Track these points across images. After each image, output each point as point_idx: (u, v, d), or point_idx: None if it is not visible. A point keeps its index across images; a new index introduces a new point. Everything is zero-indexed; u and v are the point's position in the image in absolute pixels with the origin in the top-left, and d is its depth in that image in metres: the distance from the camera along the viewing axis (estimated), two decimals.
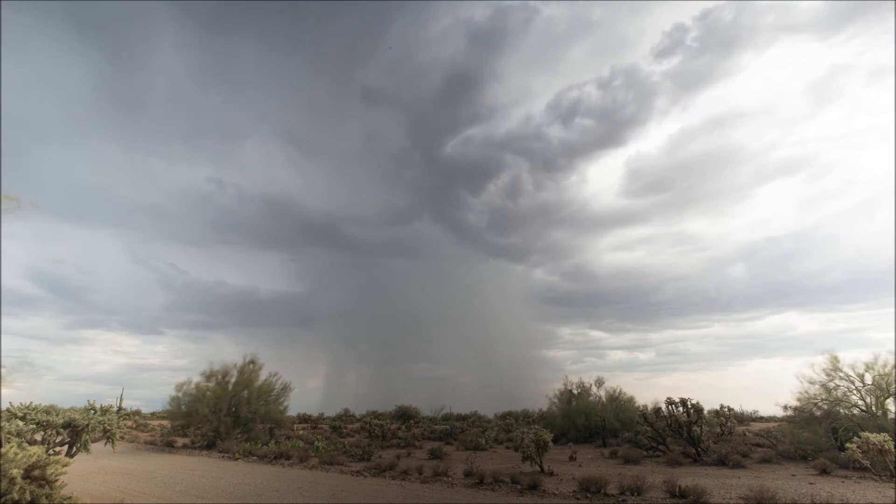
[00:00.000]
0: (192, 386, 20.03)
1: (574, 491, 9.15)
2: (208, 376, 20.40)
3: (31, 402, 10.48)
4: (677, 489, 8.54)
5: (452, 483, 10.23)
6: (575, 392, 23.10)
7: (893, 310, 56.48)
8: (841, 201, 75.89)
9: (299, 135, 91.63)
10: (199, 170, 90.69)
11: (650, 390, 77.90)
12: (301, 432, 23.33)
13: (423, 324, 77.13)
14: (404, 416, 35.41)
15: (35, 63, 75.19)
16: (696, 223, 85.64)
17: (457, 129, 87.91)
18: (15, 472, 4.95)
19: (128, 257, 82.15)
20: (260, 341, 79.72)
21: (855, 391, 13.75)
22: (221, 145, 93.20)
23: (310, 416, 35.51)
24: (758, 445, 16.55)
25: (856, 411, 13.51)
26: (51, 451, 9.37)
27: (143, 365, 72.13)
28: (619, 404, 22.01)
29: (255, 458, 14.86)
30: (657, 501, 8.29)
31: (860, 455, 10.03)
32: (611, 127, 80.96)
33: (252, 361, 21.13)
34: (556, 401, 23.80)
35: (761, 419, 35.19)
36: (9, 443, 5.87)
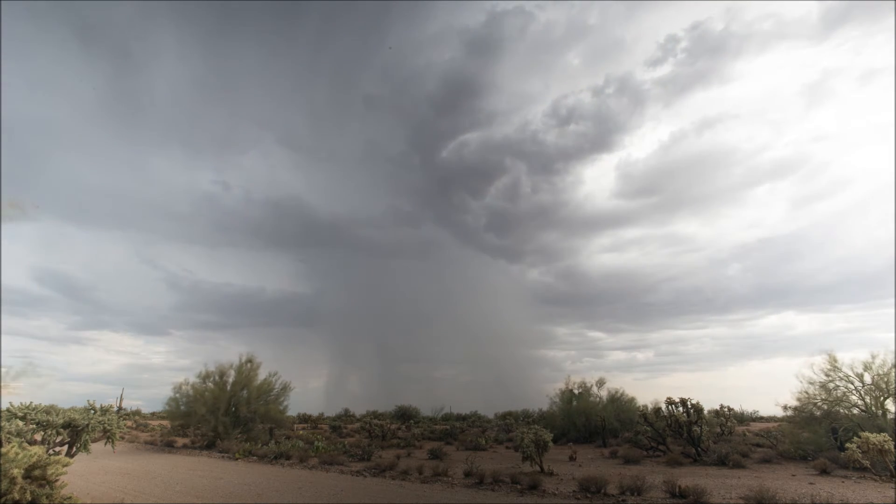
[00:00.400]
0: (190, 386, 20.03)
1: (574, 491, 9.15)
2: (205, 377, 20.39)
3: (31, 402, 10.49)
4: (677, 489, 8.55)
5: (452, 483, 10.23)
6: (576, 392, 23.11)
7: (893, 310, 56.57)
8: (835, 202, 76.71)
9: (302, 138, 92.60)
10: (204, 172, 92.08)
11: (649, 390, 77.89)
12: (300, 432, 23.33)
13: (423, 324, 77.14)
14: (404, 416, 35.42)
15: (41, 68, 76.38)
16: (693, 225, 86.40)
17: (455, 134, 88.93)
18: (15, 472, 4.95)
19: (134, 258, 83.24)
20: (264, 341, 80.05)
21: (854, 391, 13.76)
22: (226, 148, 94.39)
23: (310, 416, 35.52)
24: (758, 445, 16.56)
25: (855, 411, 13.51)
26: (51, 451, 9.37)
27: (146, 365, 72.40)
28: (619, 404, 22.03)
29: (255, 458, 14.86)
30: (657, 501, 8.30)
31: (860, 455, 10.03)
32: (605, 131, 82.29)
33: (249, 361, 21.06)
34: (556, 401, 23.83)
35: (761, 419, 35.19)
36: (9, 443, 5.87)
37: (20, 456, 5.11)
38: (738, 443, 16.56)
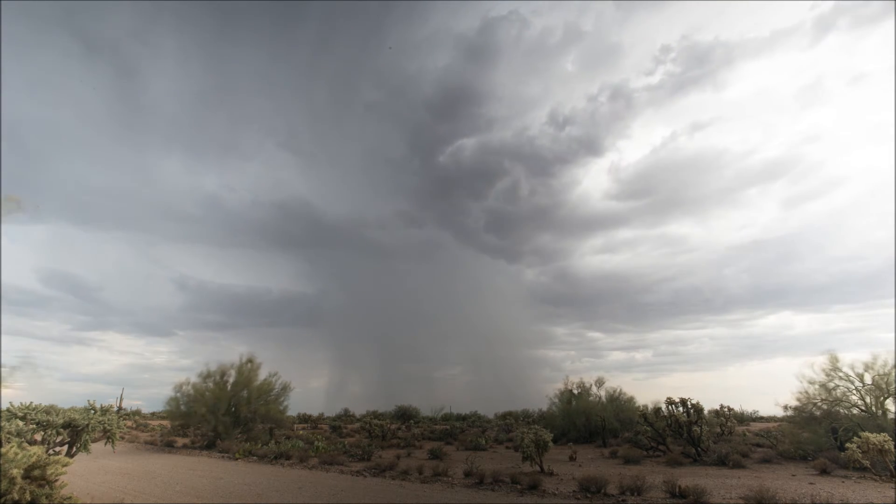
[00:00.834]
0: (190, 386, 20.02)
1: (574, 491, 9.15)
2: (206, 376, 20.38)
3: (31, 402, 10.48)
4: (677, 489, 8.54)
5: (452, 483, 10.23)
6: (575, 392, 23.10)
7: (892, 310, 56.54)
8: (832, 202, 77.30)
9: (303, 141, 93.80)
10: (208, 175, 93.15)
11: (649, 390, 78.22)
12: (301, 432, 23.33)
13: (423, 324, 77.27)
14: (404, 416, 35.41)
15: (46, 73, 77.64)
16: (690, 226, 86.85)
17: (453, 138, 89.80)
18: (15, 472, 4.95)
19: (139, 260, 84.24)
20: (267, 341, 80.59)
21: (854, 391, 13.76)
22: (229, 151, 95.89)
23: (310, 416, 35.52)
24: (758, 445, 16.56)
25: (855, 411, 13.51)
26: (51, 451, 9.37)
27: (148, 365, 72.61)
28: (619, 404, 22.01)
29: (255, 458, 14.86)
30: (657, 501, 8.29)
31: (860, 455, 10.03)
32: (600, 135, 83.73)
33: (250, 361, 21.04)
34: (556, 401, 23.82)
35: (761, 419, 35.19)
36: (9, 443, 5.87)
37: (20, 456, 5.11)
38: (738, 443, 16.56)
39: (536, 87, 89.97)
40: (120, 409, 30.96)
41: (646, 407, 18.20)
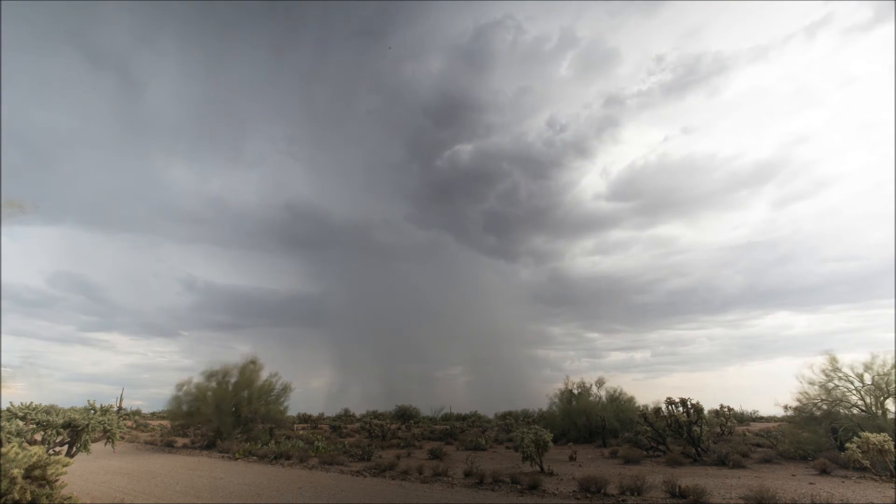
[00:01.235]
0: (193, 386, 20.05)
1: (574, 491, 9.15)
2: (209, 376, 20.41)
3: (31, 402, 10.49)
4: (677, 489, 8.55)
5: (452, 483, 10.23)
6: (575, 392, 23.10)
7: (891, 310, 56.59)
8: (824, 203, 77.65)
9: (307, 144, 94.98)
10: (215, 178, 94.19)
11: (648, 390, 78.46)
12: (301, 432, 23.33)
13: (424, 324, 77.29)
14: (404, 416, 35.41)
15: (55, 80, 78.99)
16: (688, 227, 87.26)
17: (452, 144, 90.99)
18: (15, 471, 4.95)
19: (146, 261, 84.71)
20: (269, 341, 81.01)
21: (854, 391, 13.76)
22: (235, 155, 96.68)
23: (310, 416, 35.52)
24: (758, 445, 16.56)
25: (855, 411, 13.51)
26: (51, 451, 9.38)
27: (152, 365, 72.75)
28: (619, 404, 22.00)
29: (255, 458, 14.86)
30: (657, 501, 8.29)
31: (860, 455, 10.04)
32: (595, 139, 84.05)
33: (252, 362, 21.11)
34: (556, 401, 23.82)
35: (761, 419, 35.18)
36: (9, 443, 5.87)
37: (20, 456, 5.11)
38: (738, 443, 16.56)
39: (531, 92, 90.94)
40: (120, 409, 30.97)
41: (646, 407, 18.21)
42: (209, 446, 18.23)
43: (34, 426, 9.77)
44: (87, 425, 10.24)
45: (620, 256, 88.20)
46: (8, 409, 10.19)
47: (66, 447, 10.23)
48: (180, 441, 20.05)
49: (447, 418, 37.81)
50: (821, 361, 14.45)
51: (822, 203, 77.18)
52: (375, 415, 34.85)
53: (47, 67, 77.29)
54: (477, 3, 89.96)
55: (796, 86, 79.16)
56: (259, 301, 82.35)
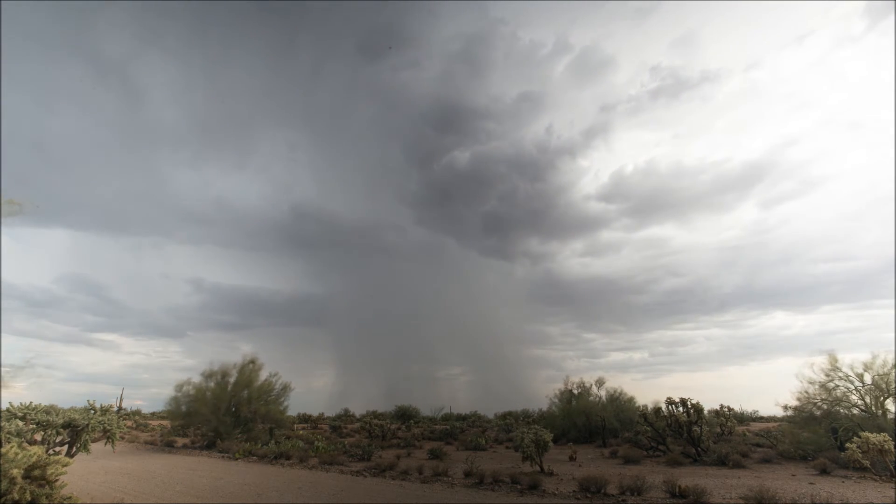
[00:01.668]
0: (192, 386, 20.05)
1: (574, 491, 9.15)
2: (208, 376, 20.40)
3: (30, 402, 10.48)
4: (677, 489, 8.54)
5: (452, 483, 10.23)
6: (575, 392, 23.10)
7: (891, 310, 56.60)
8: (820, 203, 78.20)
9: (309, 147, 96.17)
10: (221, 181, 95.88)
11: (647, 390, 78.41)
12: (301, 432, 23.32)
13: (424, 324, 77.37)
14: (404, 416, 35.41)
15: (60, 85, 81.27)
16: (686, 228, 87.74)
17: (451, 149, 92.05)
18: (15, 472, 4.95)
19: (154, 263, 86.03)
20: (272, 341, 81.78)
21: (854, 391, 13.75)
22: (239, 158, 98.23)
23: (310, 416, 35.51)
24: (758, 445, 16.56)
25: (855, 411, 13.51)
26: (51, 451, 9.37)
27: (154, 365, 72.86)
28: (618, 404, 22.00)
29: (255, 458, 14.86)
30: (657, 501, 8.29)
31: (860, 455, 10.04)
32: (591, 143, 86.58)
33: (252, 361, 21.11)
34: (556, 401, 23.81)
35: (761, 419, 35.18)
36: (9, 443, 5.87)
37: (20, 456, 5.11)
38: (738, 443, 16.55)
39: (528, 98, 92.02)
40: (120, 409, 30.96)
41: (646, 407, 18.22)
42: (209, 446, 18.22)
43: (34, 426, 9.76)
44: (87, 425, 10.23)
45: (614, 257, 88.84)
46: (8, 410, 10.18)
47: (65, 447, 10.23)
48: (180, 441, 20.05)
49: (447, 418, 37.82)
50: (821, 361, 14.47)
51: (814, 204, 77.71)
52: (375, 415, 34.85)
53: (55, 73, 79.18)
54: (476, 3, 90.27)
55: (789, 88, 79.89)
56: (263, 301, 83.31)
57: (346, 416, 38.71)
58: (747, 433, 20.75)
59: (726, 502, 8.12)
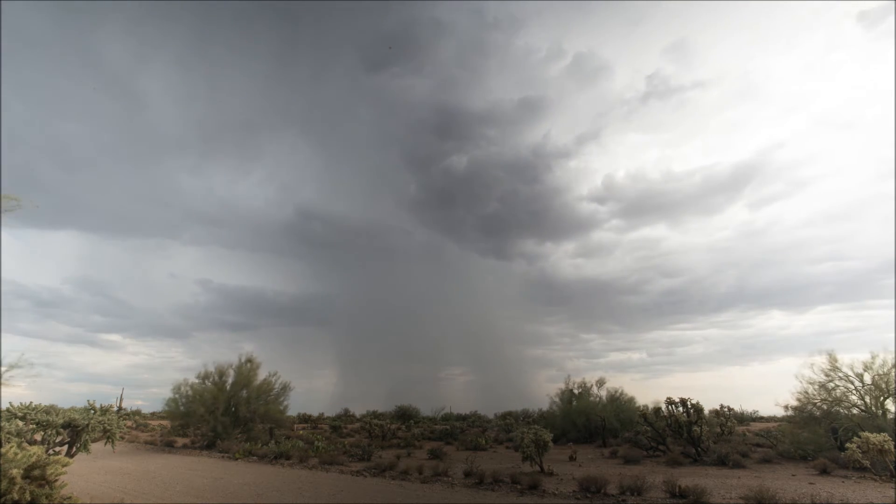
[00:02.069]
0: (189, 386, 20.03)
1: (574, 491, 9.15)
2: (204, 377, 20.37)
3: (30, 402, 10.48)
4: (677, 489, 8.54)
5: (452, 483, 10.22)
6: (575, 392, 23.12)
7: (891, 310, 56.68)
8: (817, 203, 78.00)
9: (312, 148, 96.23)
10: (224, 183, 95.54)
11: (647, 391, 78.35)
12: (301, 432, 23.32)
13: (425, 324, 77.41)
14: (404, 416, 35.40)
15: (65, 89, 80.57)
16: (686, 229, 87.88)
17: (450, 153, 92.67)
18: (15, 472, 4.94)
19: (161, 264, 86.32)
20: (273, 342, 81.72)
21: (854, 391, 13.76)
22: (242, 160, 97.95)
23: (310, 416, 35.51)
24: (758, 445, 16.56)
25: (855, 411, 13.51)
26: (51, 451, 9.37)
27: (155, 365, 72.88)
28: (618, 404, 22.02)
29: (255, 458, 14.85)
30: (657, 501, 8.29)
31: (860, 455, 10.03)
32: (588, 145, 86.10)
33: (249, 361, 21.06)
34: (556, 401, 23.85)
35: (761, 419, 35.20)
36: (9, 443, 5.87)
37: (20, 456, 5.10)
38: (738, 443, 16.56)
39: (526, 103, 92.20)
40: (120, 409, 30.94)
41: (646, 407, 18.21)
42: (209, 446, 18.21)
43: (34, 426, 9.77)
44: (87, 425, 10.24)
45: (610, 258, 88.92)
46: (8, 410, 10.19)
47: (65, 447, 10.23)
48: (180, 441, 20.04)
49: (447, 418, 37.83)
50: (820, 361, 14.47)
51: (818, 203, 77.88)
52: (375, 415, 34.87)
53: (62, 77, 79.48)
54: (477, 4, 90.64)
55: (781, 89, 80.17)
56: (267, 302, 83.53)
57: (346, 416, 38.71)
58: (747, 433, 20.76)
59: (726, 502, 8.12)
